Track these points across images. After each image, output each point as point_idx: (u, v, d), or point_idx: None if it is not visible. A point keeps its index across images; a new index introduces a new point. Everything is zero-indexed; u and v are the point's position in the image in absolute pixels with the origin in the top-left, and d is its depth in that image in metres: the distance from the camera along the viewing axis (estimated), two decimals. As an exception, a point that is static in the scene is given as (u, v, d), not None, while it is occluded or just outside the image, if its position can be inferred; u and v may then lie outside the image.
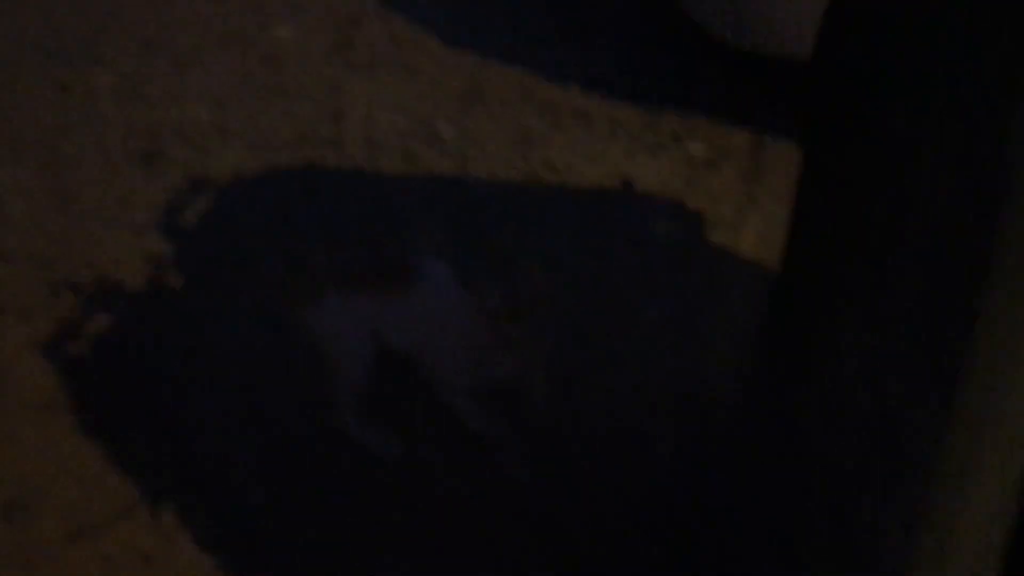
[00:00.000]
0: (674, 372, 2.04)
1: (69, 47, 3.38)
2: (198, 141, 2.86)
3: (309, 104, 3.03)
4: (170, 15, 3.55)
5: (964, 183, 0.98)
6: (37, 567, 1.66)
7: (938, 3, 1.02)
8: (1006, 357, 0.98)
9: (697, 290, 2.26)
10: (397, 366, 2.02)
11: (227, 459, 1.86)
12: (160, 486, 1.80)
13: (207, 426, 1.93)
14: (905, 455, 1.08)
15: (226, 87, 3.12)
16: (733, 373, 1.99)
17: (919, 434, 1.05)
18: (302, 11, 3.54)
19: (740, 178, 2.63)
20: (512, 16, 3.46)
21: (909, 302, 1.07)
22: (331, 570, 1.66)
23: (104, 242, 2.48)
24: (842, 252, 1.26)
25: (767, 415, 1.48)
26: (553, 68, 3.16)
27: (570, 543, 1.70)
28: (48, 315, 2.23)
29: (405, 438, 1.89)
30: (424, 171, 2.70)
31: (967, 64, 0.98)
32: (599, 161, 2.72)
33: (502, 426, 1.86)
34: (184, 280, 2.33)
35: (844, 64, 1.30)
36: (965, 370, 0.99)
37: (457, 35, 3.33)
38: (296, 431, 1.92)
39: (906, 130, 1.11)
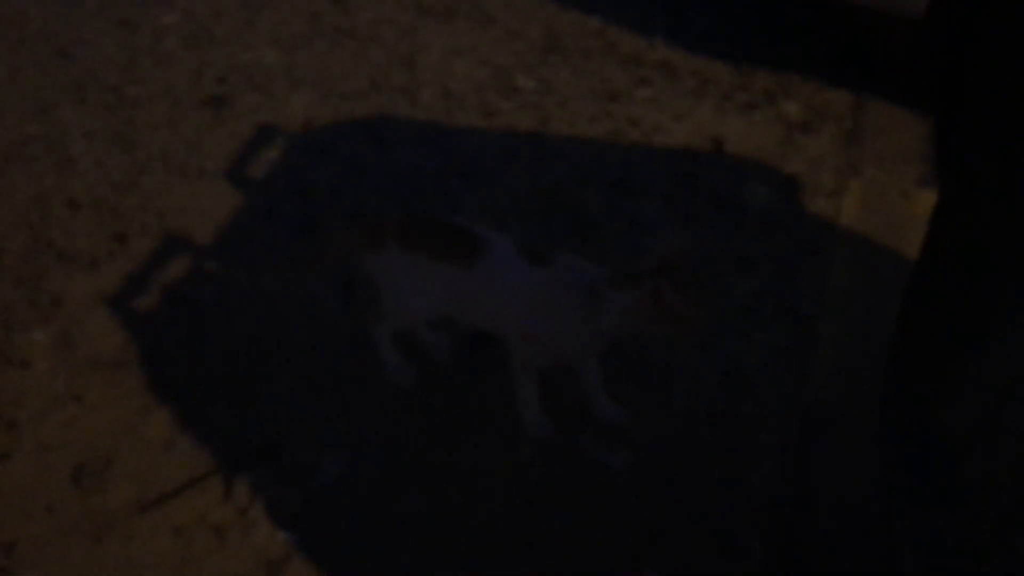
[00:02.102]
0: (770, 358, 1.90)
1: (134, -17, 3.28)
2: (267, 86, 2.75)
3: (381, 50, 2.90)
4: (237, -48, 3.43)
5: None
6: (106, 536, 1.60)
7: None
8: None
9: (794, 263, 2.11)
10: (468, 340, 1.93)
11: (304, 430, 1.77)
12: (234, 455, 1.73)
13: (283, 394, 1.84)
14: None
15: (296, 30, 3.00)
16: (837, 363, 1.85)
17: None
18: (373, -50, 3.39)
19: (839, 141, 2.46)
20: (593, -40, 3.28)
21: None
22: (407, 549, 1.57)
23: (171, 190, 2.39)
24: (1014, 231, 1.11)
25: (903, 415, 1.35)
26: (637, 18, 2.99)
27: (669, 543, 1.59)
28: (115, 266, 2.16)
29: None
30: (502, 125, 2.56)
31: None
32: (687, 119, 2.57)
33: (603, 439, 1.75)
34: (252, 232, 2.24)
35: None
36: None
37: (536, -20, 3.16)
38: (375, 401, 1.83)
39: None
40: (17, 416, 1.83)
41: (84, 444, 1.76)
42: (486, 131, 2.54)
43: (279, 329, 1.98)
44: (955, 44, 1.20)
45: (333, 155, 2.48)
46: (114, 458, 1.73)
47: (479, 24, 2.98)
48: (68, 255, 2.19)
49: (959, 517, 1.20)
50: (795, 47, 2.82)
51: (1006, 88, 1.07)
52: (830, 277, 2.07)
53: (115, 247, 2.22)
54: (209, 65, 2.86)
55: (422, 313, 1.71)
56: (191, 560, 1.56)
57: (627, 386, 1.84)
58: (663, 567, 1.53)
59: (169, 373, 1.90)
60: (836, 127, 2.51)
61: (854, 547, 1.52)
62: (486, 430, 1.76)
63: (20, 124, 2.66)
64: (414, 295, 1.66)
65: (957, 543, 1.19)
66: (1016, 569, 1.03)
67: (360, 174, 2.42)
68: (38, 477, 1.71)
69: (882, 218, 2.21)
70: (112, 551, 1.58)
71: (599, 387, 1.76)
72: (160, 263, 2.17)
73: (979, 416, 1.19)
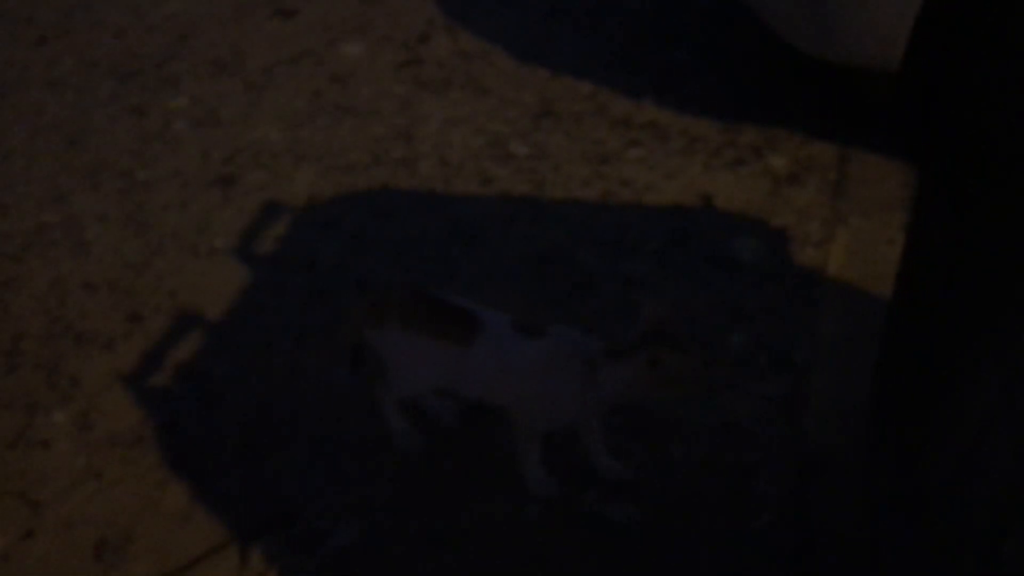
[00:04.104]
0: (766, 407, 1.96)
1: (143, 71, 3.42)
2: (272, 164, 2.86)
3: (380, 124, 3.01)
4: (240, 36, 3.58)
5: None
6: (130, 609, 1.65)
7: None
8: None
9: (785, 313, 2.18)
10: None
11: (318, 497, 1.83)
12: (249, 524, 1.79)
13: (296, 462, 1.91)
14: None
15: (298, 108, 3.12)
16: (832, 409, 1.91)
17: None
18: (370, 28, 3.53)
19: (825, 193, 2.54)
20: (582, 28, 3.41)
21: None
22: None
23: (183, 269, 2.49)
24: (979, 270, 1.17)
25: (888, 460, 1.40)
26: (626, 81, 3.10)
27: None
28: (130, 345, 2.25)
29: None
30: (498, 191, 2.66)
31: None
32: (677, 177, 2.66)
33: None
34: (261, 307, 2.33)
35: (944, 74, 1.21)
36: None
37: (526, 50, 3.29)
38: (386, 467, 1.89)
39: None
40: (39, 495, 1.90)
41: (105, 520, 1.82)
42: (483, 197, 2.64)
43: (291, 399, 2.05)
44: (932, 94, 1.27)
45: (337, 228, 2.58)
46: (134, 532, 1.79)
47: (474, 94, 3.10)
48: (85, 336, 2.28)
49: (944, 560, 1.24)
50: (780, 102, 2.91)
51: (978, 132, 1.14)
52: (821, 325, 2.14)
53: (130, 327, 2.30)
54: (216, 146, 2.97)
55: (424, 386, 1.80)
56: (210, 630, 1.62)
57: (626, 441, 1.90)
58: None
59: (184, 447, 1.97)
60: (822, 179, 2.59)
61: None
62: (494, 492, 1.82)
63: (36, 212, 2.77)
64: (416, 370, 1.75)
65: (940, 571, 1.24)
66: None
67: (364, 245, 2.51)
68: (61, 554, 1.78)
69: (869, 266, 2.28)
70: (134, 624, 1.64)
71: (601, 445, 1.82)
72: (174, 340, 2.25)
73: (957, 456, 1.24)
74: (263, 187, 2.77)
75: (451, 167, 2.78)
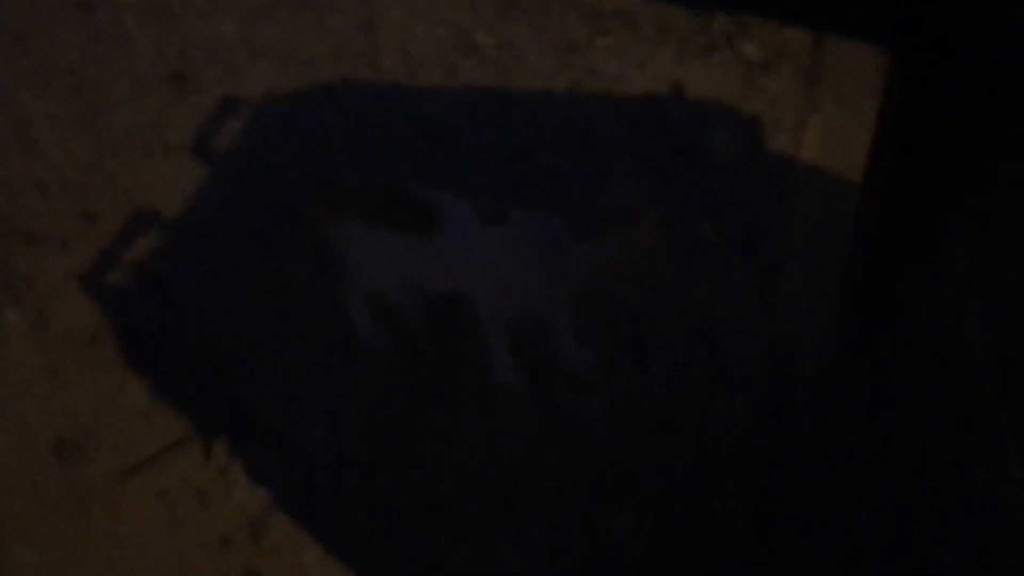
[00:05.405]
0: (737, 298, 1.94)
1: (89, -36, 3.25)
2: (228, 59, 2.75)
3: (339, 16, 2.89)
4: (191, -73, 3.40)
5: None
6: (91, 506, 1.63)
7: None
8: None
9: (757, 202, 2.14)
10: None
11: (281, 398, 1.80)
12: (211, 419, 1.75)
13: (259, 363, 1.87)
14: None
15: (254, 1, 2.98)
16: (804, 297, 1.89)
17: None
18: (328, -83, 3.37)
19: (799, 80, 2.48)
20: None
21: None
22: (387, 503, 1.61)
23: (136, 168, 2.40)
24: (949, 151, 1.13)
25: (858, 344, 1.38)
26: (595, -31, 2.98)
27: (645, 486, 1.63)
28: (84, 245, 2.17)
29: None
30: (463, 84, 2.57)
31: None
32: (647, 67, 2.58)
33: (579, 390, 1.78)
34: (219, 205, 2.25)
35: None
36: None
37: (492, -63, 3.15)
38: (352, 367, 1.85)
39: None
40: (-4, 396, 1.85)
41: (63, 418, 1.78)
42: (448, 91, 2.55)
43: (251, 299, 2.00)
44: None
45: (296, 124, 2.49)
46: (93, 430, 1.76)
47: (437, -15, 2.97)
48: (38, 236, 2.20)
49: (912, 436, 1.23)
50: (753, -11, 2.82)
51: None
52: (793, 214, 2.10)
53: (84, 227, 2.23)
54: (169, 42, 2.85)
55: (388, 280, 1.74)
56: (175, 523, 1.60)
57: (599, 339, 1.87)
58: (639, 510, 1.57)
59: (144, 347, 1.92)
60: (795, 66, 2.53)
61: (823, 474, 1.56)
62: (462, 391, 1.79)
63: (-17, 112, 2.65)
64: (378, 264, 1.69)
65: (911, 460, 1.23)
66: (968, 478, 1.07)
67: (325, 142, 2.43)
68: (21, 453, 1.74)
69: (843, 153, 2.23)
70: (98, 520, 1.61)
71: (570, 337, 1.78)
72: (129, 240, 2.18)
73: (927, 334, 1.22)
74: (219, 83, 2.66)
75: (414, 60, 2.68)
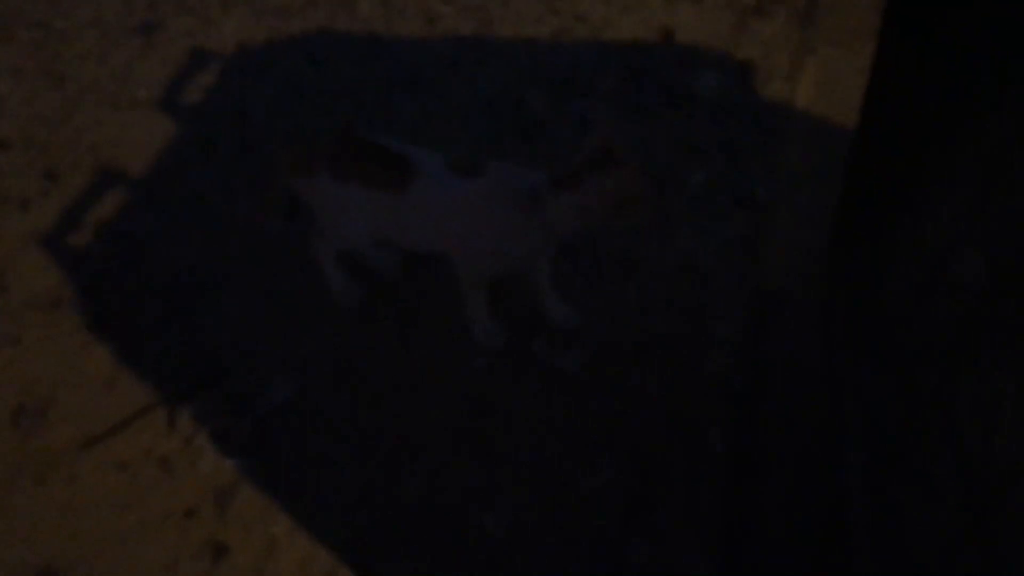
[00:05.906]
0: (725, 246, 1.85)
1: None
2: (198, 8, 2.63)
3: (315, -38, 2.76)
4: None
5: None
6: (50, 476, 1.56)
7: None
8: None
9: (748, 149, 2.04)
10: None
11: (251, 355, 1.72)
12: (178, 385, 1.68)
13: (227, 321, 1.79)
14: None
15: (224, -53, 2.86)
16: (792, 244, 1.80)
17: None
18: None
19: (793, 23, 2.37)
20: None
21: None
22: (362, 467, 1.54)
23: (103, 122, 2.30)
24: (943, 93, 1.05)
25: (847, 293, 1.30)
26: (581, -91, 2.85)
27: (626, 434, 1.56)
28: (47, 204, 2.08)
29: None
30: (443, 31, 2.46)
31: None
32: (636, 11, 2.46)
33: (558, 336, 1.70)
34: (188, 160, 2.16)
35: None
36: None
37: None
38: (324, 323, 1.77)
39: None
40: (-46, 364, 1.77)
41: (23, 386, 1.71)
42: (427, 39, 2.44)
43: (220, 256, 1.92)
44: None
45: (269, 75, 2.38)
46: (54, 398, 1.68)
47: (416, -72, 2.85)
48: (-2, 197, 2.11)
49: (901, 373, 1.16)
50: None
51: None
52: (785, 161, 2.01)
53: (47, 185, 2.13)
54: (137, -9, 2.73)
55: (360, 237, 1.64)
56: (138, 494, 1.53)
57: (583, 284, 1.79)
58: (619, 459, 1.50)
59: (108, 309, 1.84)
60: (790, 8, 2.41)
61: (805, 417, 1.50)
62: (439, 344, 1.71)
63: (-58, 66, 2.54)
64: (350, 220, 1.60)
65: (899, 396, 1.16)
66: (954, 415, 1.00)
67: (298, 93, 2.32)
68: (-22, 423, 1.67)
69: (838, 97, 2.13)
70: (56, 491, 1.54)
71: (551, 290, 1.70)
72: (94, 199, 2.09)
73: (917, 275, 1.15)
74: (188, 33, 2.55)
75: (392, 7, 2.56)
